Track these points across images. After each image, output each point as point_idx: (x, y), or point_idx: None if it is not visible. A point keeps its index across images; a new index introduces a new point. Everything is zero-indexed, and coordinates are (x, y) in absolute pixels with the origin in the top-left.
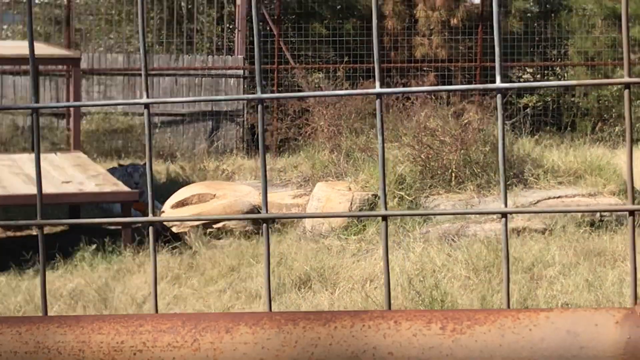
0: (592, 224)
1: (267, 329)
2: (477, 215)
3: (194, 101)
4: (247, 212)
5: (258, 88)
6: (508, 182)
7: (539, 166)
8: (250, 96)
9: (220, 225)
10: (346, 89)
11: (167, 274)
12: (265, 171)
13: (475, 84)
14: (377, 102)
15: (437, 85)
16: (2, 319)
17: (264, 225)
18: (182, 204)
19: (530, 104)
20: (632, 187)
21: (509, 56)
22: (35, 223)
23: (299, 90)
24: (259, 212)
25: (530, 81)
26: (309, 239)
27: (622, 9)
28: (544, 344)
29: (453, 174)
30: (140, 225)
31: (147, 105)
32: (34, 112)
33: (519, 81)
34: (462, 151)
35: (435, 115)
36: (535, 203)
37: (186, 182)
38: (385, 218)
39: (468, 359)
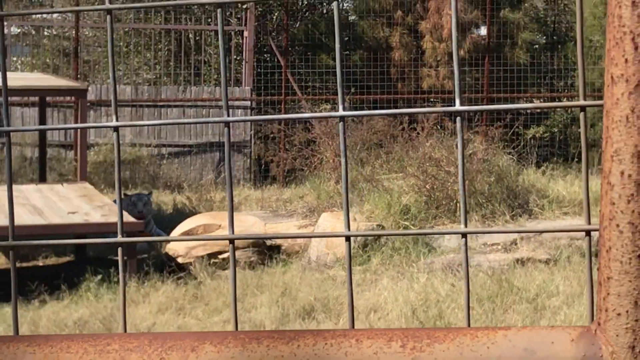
0: (597, 255)
1: (232, 348)
2: (482, 246)
3: (169, 123)
4: (253, 243)
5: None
6: (513, 213)
7: (544, 196)
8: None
9: (225, 255)
10: (352, 120)
11: (171, 304)
12: (231, 193)
13: (483, 115)
14: (340, 124)
15: (443, 118)
16: None
17: (230, 245)
18: (187, 234)
19: (537, 135)
20: (588, 207)
21: (515, 87)
22: (7, 244)
23: (306, 122)
24: (264, 243)
25: (537, 111)
26: (314, 269)
27: (577, 31)
28: None
29: (458, 204)
30: (145, 255)
31: (116, 129)
32: (6, 135)
33: (526, 112)
34: (466, 182)
35: (441, 146)
36: (540, 234)
37: (193, 213)
38: (348, 238)
39: None
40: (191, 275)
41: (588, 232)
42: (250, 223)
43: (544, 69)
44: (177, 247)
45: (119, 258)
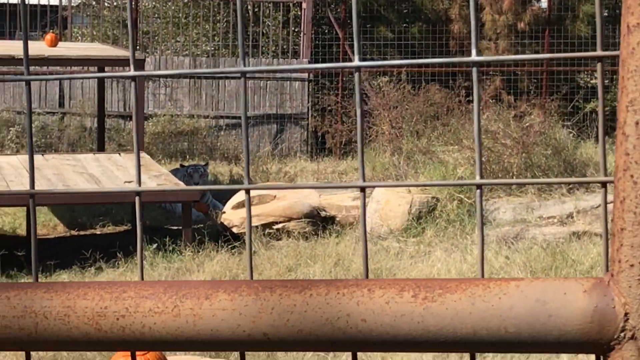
0: None
1: (245, 296)
2: (538, 219)
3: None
4: (307, 214)
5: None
6: (570, 186)
7: None
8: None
9: (279, 226)
10: (409, 91)
11: (225, 273)
12: (247, 145)
13: (542, 89)
14: (356, 75)
15: (503, 89)
16: None
17: (246, 195)
18: (242, 205)
19: (596, 109)
20: (604, 158)
21: (575, 60)
22: (26, 192)
23: (364, 95)
24: (318, 214)
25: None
26: (368, 240)
27: None
28: (512, 312)
29: (514, 177)
30: (201, 225)
31: (134, 78)
32: None
33: (587, 86)
34: (523, 154)
35: (497, 119)
36: (597, 207)
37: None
38: (363, 189)
39: (438, 326)
40: (245, 245)
41: (604, 184)
42: (305, 194)
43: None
44: (232, 218)
45: (137, 210)
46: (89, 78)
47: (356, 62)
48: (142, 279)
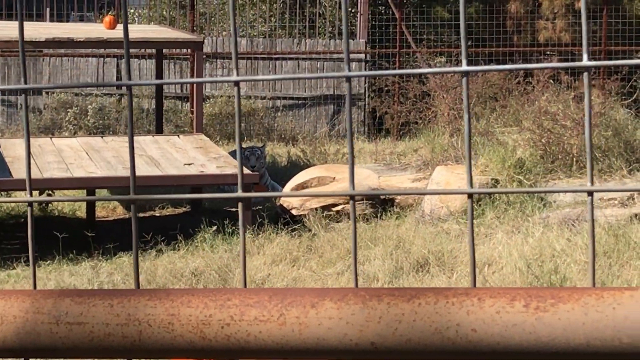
0: None
1: (352, 305)
2: (598, 201)
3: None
4: (367, 196)
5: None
6: (630, 167)
7: None
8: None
9: (339, 208)
10: None
11: (286, 255)
12: (352, 148)
13: (601, 69)
14: (464, 80)
15: (559, 71)
16: (94, 291)
17: (351, 202)
18: (301, 186)
19: None
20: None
21: (634, 40)
22: (128, 198)
23: (421, 75)
24: (378, 196)
25: None
26: (428, 222)
27: None
28: (627, 323)
29: (574, 159)
30: (260, 207)
31: (237, 83)
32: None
33: None
34: (583, 136)
35: (556, 100)
36: None
37: (307, 165)
38: (470, 196)
39: (551, 337)
40: (305, 227)
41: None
42: (364, 176)
43: None
44: (291, 199)
45: (240, 213)
46: (188, 82)
47: (464, 67)
48: (245, 285)
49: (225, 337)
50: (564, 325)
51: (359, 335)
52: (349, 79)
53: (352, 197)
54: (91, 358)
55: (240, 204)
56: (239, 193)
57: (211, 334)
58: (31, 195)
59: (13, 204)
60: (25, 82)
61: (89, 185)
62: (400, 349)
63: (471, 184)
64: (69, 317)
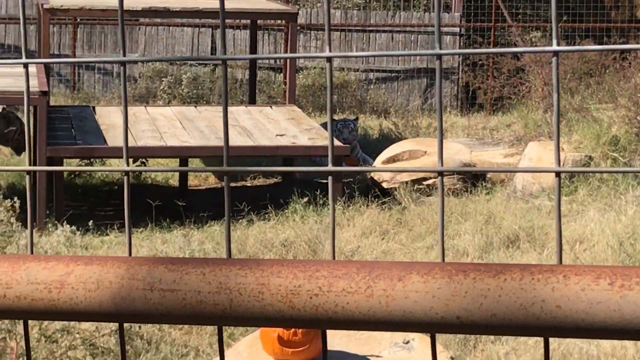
0: None
1: (438, 279)
2: None
3: (381, 55)
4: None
5: None
6: None
7: None
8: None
9: (429, 182)
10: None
11: (375, 228)
12: (441, 124)
13: None
14: (554, 60)
15: None
16: (187, 259)
17: (439, 178)
18: (393, 159)
19: None
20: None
21: None
22: (221, 169)
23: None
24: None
25: None
26: (519, 198)
27: None
28: None
29: None
30: (350, 180)
31: (329, 59)
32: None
33: None
34: None
35: None
36: None
37: (398, 138)
38: (558, 174)
39: (635, 315)
40: (395, 200)
41: None
42: (455, 150)
43: None
44: (381, 173)
45: (330, 186)
46: (282, 58)
47: (554, 47)
48: (334, 257)
49: (314, 308)
50: None
51: (445, 309)
52: (439, 56)
53: (440, 173)
54: (183, 324)
55: (330, 177)
56: (330, 167)
57: (300, 304)
58: (128, 164)
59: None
60: (124, 54)
61: (182, 154)
62: (485, 323)
63: (559, 162)
64: (163, 284)
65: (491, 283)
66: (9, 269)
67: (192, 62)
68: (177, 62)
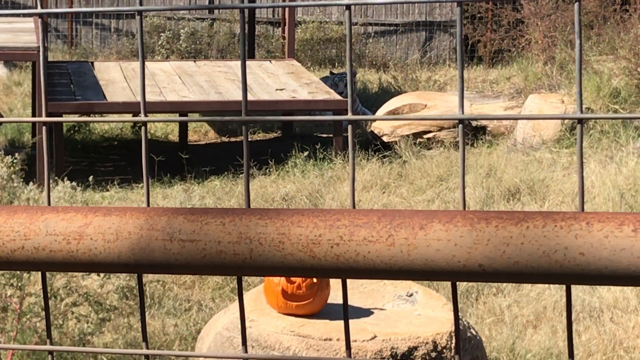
0: None
1: (460, 227)
2: None
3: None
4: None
5: None
6: None
7: None
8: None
9: (430, 135)
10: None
11: (376, 182)
12: (462, 75)
13: None
14: (576, 5)
15: None
16: (207, 210)
17: (460, 125)
18: (393, 113)
19: None
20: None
21: None
22: (239, 119)
23: (515, 2)
24: (469, 123)
25: None
26: (520, 151)
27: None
28: None
29: None
30: None
31: (348, 7)
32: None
33: None
34: None
35: None
36: None
37: (398, 92)
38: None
39: None
40: (396, 154)
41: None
42: (455, 103)
43: None
44: (382, 126)
45: (349, 135)
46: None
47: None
48: (354, 207)
49: (335, 257)
50: None
51: (467, 257)
52: (459, 3)
53: (461, 120)
54: (203, 274)
55: (350, 127)
56: (350, 115)
57: (321, 254)
58: (145, 115)
59: (106, 127)
60: (141, 3)
61: (183, 109)
62: (508, 271)
63: (581, 109)
64: (182, 234)
65: (513, 231)
66: (27, 220)
67: (189, 17)
68: (175, 17)
